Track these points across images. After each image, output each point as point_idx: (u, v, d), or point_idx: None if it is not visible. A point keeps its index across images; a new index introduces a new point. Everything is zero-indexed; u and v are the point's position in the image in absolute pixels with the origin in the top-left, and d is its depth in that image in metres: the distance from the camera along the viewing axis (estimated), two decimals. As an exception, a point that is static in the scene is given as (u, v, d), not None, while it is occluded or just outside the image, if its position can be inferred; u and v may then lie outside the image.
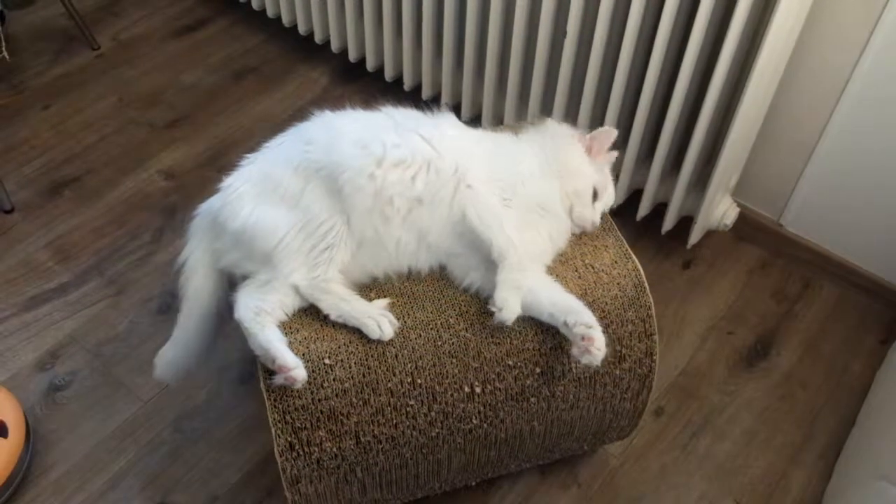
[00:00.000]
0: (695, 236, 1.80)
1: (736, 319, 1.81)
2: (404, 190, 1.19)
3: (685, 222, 1.84)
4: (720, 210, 1.80)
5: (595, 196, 1.29)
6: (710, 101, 1.58)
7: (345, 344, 1.17)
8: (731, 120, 1.62)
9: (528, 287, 1.19)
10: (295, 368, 1.12)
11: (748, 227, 1.91)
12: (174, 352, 1.36)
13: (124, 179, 2.05)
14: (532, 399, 1.25)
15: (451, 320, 1.21)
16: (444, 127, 1.27)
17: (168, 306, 1.77)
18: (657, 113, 1.71)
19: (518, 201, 1.24)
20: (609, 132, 1.31)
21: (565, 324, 1.17)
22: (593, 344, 1.13)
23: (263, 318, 1.17)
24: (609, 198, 1.34)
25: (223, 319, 1.33)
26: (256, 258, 1.21)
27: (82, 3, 2.47)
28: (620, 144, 1.65)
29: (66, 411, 1.61)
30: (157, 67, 2.36)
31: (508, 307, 1.15)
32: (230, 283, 1.29)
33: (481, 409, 1.23)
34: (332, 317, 1.19)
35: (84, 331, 1.74)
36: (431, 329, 1.20)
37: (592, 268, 1.28)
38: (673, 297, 1.83)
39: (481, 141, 1.31)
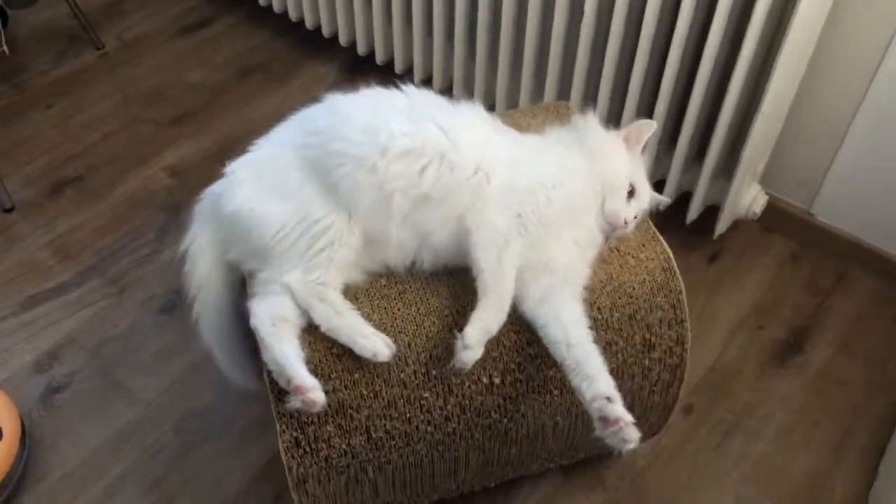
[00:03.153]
0: (722, 225, 1.72)
1: (766, 314, 1.72)
2: (408, 186, 1.07)
3: (711, 212, 1.75)
4: (748, 197, 1.72)
5: (631, 193, 1.16)
6: (736, 83, 1.51)
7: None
8: (759, 103, 1.54)
9: (554, 314, 1.08)
10: (313, 389, 1.02)
11: (777, 217, 1.82)
12: (221, 356, 1.27)
13: (128, 177, 1.99)
14: (555, 391, 1.16)
15: (468, 307, 1.12)
16: (467, 117, 1.15)
17: (172, 305, 1.70)
18: (680, 97, 1.63)
19: (543, 212, 1.09)
20: (648, 124, 1.19)
21: (580, 391, 1.04)
22: (623, 430, 0.98)
23: (281, 328, 1.06)
24: (644, 199, 1.18)
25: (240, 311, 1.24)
26: (255, 252, 1.12)
27: (87, 3, 2.42)
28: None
29: (64, 414, 1.53)
30: (162, 66, 2.31)
31: (473, 350, 1.04)
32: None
33: (501, 402, 1.14)
34: (322, 329, 1.07)
35: (84, 331, 1.67)
36: (447, 316, 1.12)
37: (618, 251, 1.20)
38: (699, 291, 1.74)
39: (509, 139, 1.18)
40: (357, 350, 1.06)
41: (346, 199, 1.09)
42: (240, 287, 1.19)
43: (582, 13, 1.60)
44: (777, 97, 1.52)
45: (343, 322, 1.07)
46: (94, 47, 2.34)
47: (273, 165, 1.15)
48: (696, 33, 1.53)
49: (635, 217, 1.17)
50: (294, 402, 1.02)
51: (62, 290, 1.74)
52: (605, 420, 1.00)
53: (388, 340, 1.07)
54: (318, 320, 1.08)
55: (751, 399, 1.57)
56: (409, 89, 1.17)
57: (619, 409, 1.00)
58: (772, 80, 1.48)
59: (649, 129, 1.19)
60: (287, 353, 1.04)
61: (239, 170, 1.17)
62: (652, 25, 1.52)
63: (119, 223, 1.87)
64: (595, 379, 1.03)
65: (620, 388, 1.16)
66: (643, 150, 1.22)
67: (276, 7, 2.27)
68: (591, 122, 1.20)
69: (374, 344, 1.06)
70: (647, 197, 1.19)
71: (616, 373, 1.16)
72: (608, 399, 1.01)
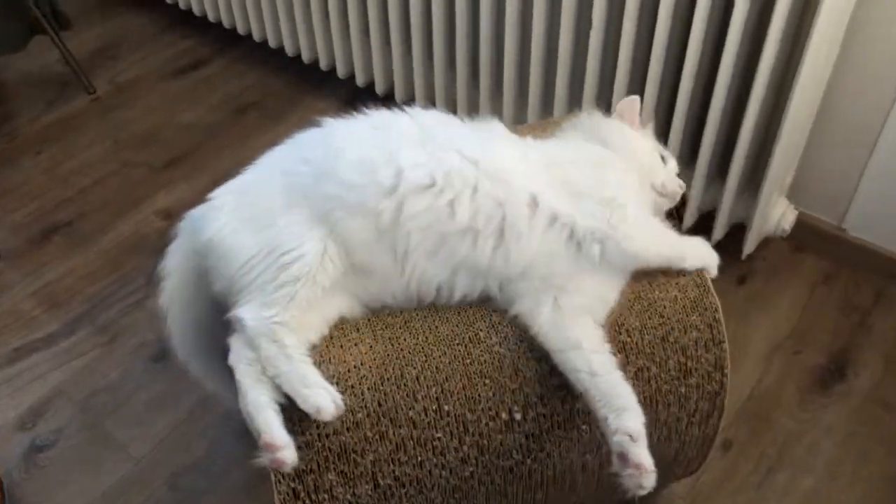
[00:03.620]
0: (750, 244, 1.61)
1: (803, 338, 1.59)
2: (434, 222, 0.97)
3: (737, 231, 1.64)
4: (776, 213, 1.61)
5: (662, 160, 1.15)
6: (758, 91, 1.41)
7: (355, 367, 0.98)
8: (783, 111, 1.44)
9: (573, 340, 0.97)
10: (283, 449, 0.91)
11: (806, 235, 1.71)
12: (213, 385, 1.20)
13: (119, 222, 1.90)
14: (584, 427, 1.04)
15: (480, 334, 1.01)
16: (492, 141, 1.04)
17: (164, 353, 1.59)
18: (697, 109, 1.53)
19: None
20: (632, 100, 1.17)
21: (605, 421, 0.94)
22: (642, 471, 0.90)
23: (260, 370, 0.95)
24: (672, 162, 1.17)
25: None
26: (227, 283, 1.01)
27: (79, 49, 2.36)
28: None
29: (50, 473, 1.42)
30: (155, 108, 2.24)
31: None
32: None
33: (523, 440, 1.02)
34: (268, 374, 0.94)
35: (72, 383, 1.56)
36: (458, 345, 1.01)
37: (644, 267, 1.09)
38: (730, 316, 1.59)
39: (540, 153, 1.07)
40: (299, 402, 0.93)
41: (338, 236, 0.99)
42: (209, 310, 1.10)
43: (590, 25, 1.52)
44: (802, 104, 1.43)
45: (290, 368, 0.94)
46: (86, 92, 2.28)
47: (256, 191, 1.05)
48: (711, 41, 1.44)
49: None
50: (262, 460, 0.92)
51: (50, 340, 1.64)
52: (623, 459, 0.91)
53: (337, 397, 0.94)
54: (263, 361, 0.95)
55: (793, 430, 1.44)
56: (414, 111, 1.07)
57: (641, 454, 0.91)
58: (796, 85, 1.38)
59: (633, 104, 1.17)
60: (260, 402, 0.93)
61: (221, 196, 1.08)
62: (665, 31, 1.44)
63: (109, 269, 1.78)
64: (623, 412, 0.93)
65: (655, 420, 1.06)
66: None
67: (272, 42, 2.21)
68: (595, 116, 1.16)
69: (319, 397, 0.92)
70: (672, 160, 1.17)
71: (649, 403, 1.05)
72: (631, 438, 0.91)
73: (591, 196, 1.01)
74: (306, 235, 0.98)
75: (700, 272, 1.09)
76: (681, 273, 1.08)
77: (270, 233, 1.00)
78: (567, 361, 0.97)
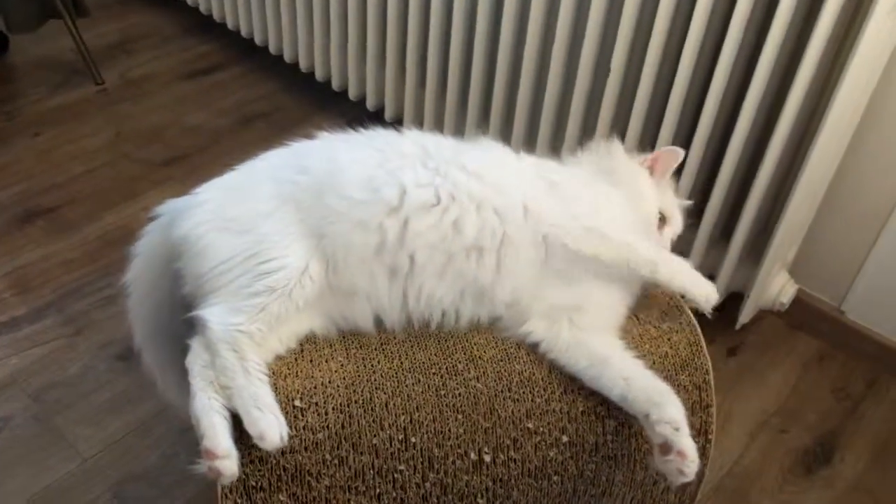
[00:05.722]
0: (745, 315, 1.56)
1: (791, 417, 1.54)
2: (438, 241, 0.94)
3: (733, 301, 1.60)
4: (776, 286, 1.57)
5: (662, 221, 1.10)
6: (770, 160, 1.39)
7: (322, 384, 0.93)
8: (793, 183, 1.41)
9: (600, 355, 0.96)
10: (223, 458, 0.85)
11: (804, 313, 1.67)
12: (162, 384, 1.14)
13: (106, 214, 1.85)
14: (555, 477, 0.98)
15: (459, 366, 0.96)
16: (492, 156, 1.04)
17: (130, 352, 1.52)
18: (707, 168, 1.50)
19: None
20: (675, 152, 1.12)
21: (647, 418, 0.92)
22: (685, 459, 0.88)
23: (214, 375, 0.90)
24: (677, 225, 1.13)
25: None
26: (195, 280, 0.96)
27: (95, 40, 2.35)
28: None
29: (-10, 463, 1.35)
30: (162, 107, 2.21)
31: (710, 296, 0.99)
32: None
33: (490, 484, 0.96)
34: (219, 383, 0.89)
35: (28, 372, 1.49)
36: (433, 374, 0.95)
37: (637, 319, 1.04)
38: (717, 387, 1.51)
39: (540, 172, 1.06)
40: (245, 423, 0.87)
41: (330, 252, 0.95)
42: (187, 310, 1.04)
43: (608, 72, 1.50)
44: (814, 178, 1.40)
45: (245, 384, 0.89)
46: (94, 82, 2.25)
47: (244, 193, 1.01)
48: (729, 101, 1.42)
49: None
50: (201, 467, 0.86)
51: (13, 325, 1.58)
52: (666, 448, 0.89)
53: (285, 429, 0.88)
54: (218, 371, 0.90)
55: (772, 512, 1.38)
56: (412, 133, 1.04)
57: (684, 442, 0.89)
58: (809, 158, 1.36)
59: (676, 157, 1.13)
60: (209, 407, 0.88)
61: (205, 191, 1.03)
62: (683, 87, 1.41)
63: (87, 260, 1.72)
64: (665, 405, 0.91)
65: (632, 481, 1.01)
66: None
67: (287, 56, 2.19)
68: (614, 148, 1.11)
69: (266, 423, 0.86)
70: (679, 222, 1.13)
71: (627, 461, 0.99)
72: (674, 427, 0.89)
73: (566, 205, 1.00)
74: (291, 248, 0.94)
75: (690, 321, 1.05)
76: (673, 330, 1.03)
77: (252, 237, 0.95)
78: (600, 376, 0.95)
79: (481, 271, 0.95)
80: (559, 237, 0.96)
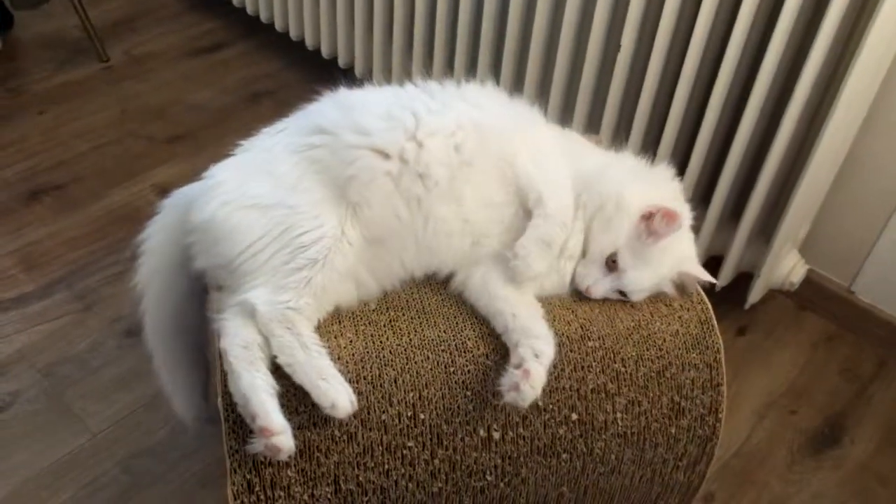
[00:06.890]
0: (755, 294, 1.55)
1: (799, 397, 1.53)
2: (446, 158, 0.96)
3: (742, 280, 1.59)
4: (786, 265, 1.55)
5: (610, 266, 0.99)
6: (783, 137, 1.37)
7: (333, 359, 0.92)
8: (805, 162, 1.40)
9: (502, 295, 0.96)
10: (280, 434, 0.85)
11: (813, 293, 1.66)
12: (166, 379, 1.12)
13: (112, 192, 1.85)
14: (564, 455, 0.98)
15: (468, 343, 0.95)
16: (490, 93, 1.06)
17: (139, 329, 1.52)
18: (718, 148, 1.49)
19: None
20: (675, 219, 0.95)
21: (516, 345, 0.92)
22: (527, 379, 0.87)
23: (254, 355, 0.90)
24: (630, 285, 0.99)
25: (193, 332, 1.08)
26: (225, 265, 0.95)
27: (101, 17, 2.33)
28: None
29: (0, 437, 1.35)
30: (167, 84, 2.20)
31: (528, 259, 0.94)
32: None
33: (499, 461, 0.96)
34: (280, 361, 0.90)
35: (38, 348, 1.49)
36: (443, 351, 0.95)
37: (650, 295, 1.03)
38: (726, 367, 1.56)
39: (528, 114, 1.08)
40: (314, 395, 0.88)
41: (357, 199, 0.95)
42: (198, 300, 1.04)
43: (614, 63, 1.48)
44: (826, 157, 1.38)
45: (307, 359, 0.89)
46: (99, 59, 2.23)
47: (262, 168, 1.00)
48: (740, 80, 1.40)
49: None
50: (256, 446, 0.85)
51: (22, 301, 1.58)
52: (517, 365, 0.89)
53: (353, 397, 0.89)
54: (276, 350, 0.90)
55: (779, 493, 1.38)
56: (419, 83, 1.05)
57: (538, 368, 0.89)
58: (822, 137, 1.34)
59: (675, 225, 0.95)
60: (257, 385, 0.87)
61: (220, 173, 1.01)
62: (693, 67, 1.39)
63: (95, 237, 1.72)
64: (539, 338, 0.92)
65: (640, 458, 1.00)
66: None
67: (293, 34, 2.17)
68: (625, 156, 1.09)
69: (336, 392, 0.87)
70: (635, 287, 0.99)
71: (636, 439, 0.99)
72: (537, 356, 0.90)
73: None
74: (323, 216, 0.94)
75: (702, 299, 1.04)
76: (685, 307, 1.03)
77: (282, 211, 0.94)
78: (490, 306, 0.97)
79: (465, 183, 0.97)
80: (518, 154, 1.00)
